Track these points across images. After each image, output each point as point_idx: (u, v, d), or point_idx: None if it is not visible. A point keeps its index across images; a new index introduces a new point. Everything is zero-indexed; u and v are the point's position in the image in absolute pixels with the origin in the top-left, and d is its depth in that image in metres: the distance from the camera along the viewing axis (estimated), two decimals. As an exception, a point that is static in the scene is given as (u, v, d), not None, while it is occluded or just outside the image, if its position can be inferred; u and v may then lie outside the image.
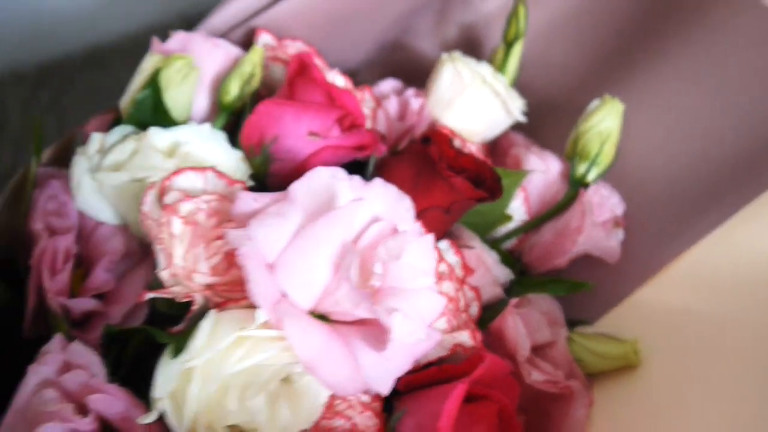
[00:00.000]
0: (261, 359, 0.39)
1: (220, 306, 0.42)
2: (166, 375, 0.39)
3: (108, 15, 0.86)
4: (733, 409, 0.45)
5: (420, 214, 0.46)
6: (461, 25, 0.63)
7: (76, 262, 0.47)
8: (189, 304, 0.42)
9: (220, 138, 0.49)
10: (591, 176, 0.52)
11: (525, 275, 0.54)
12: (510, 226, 0.54)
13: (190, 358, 0.39)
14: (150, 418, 0.39)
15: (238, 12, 0.55)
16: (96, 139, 0.48)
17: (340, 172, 0.43)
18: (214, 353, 0.39)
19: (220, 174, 0.45)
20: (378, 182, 0.44)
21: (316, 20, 0.56)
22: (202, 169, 0.45)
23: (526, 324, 0.48)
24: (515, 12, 0.56)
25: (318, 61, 0.54)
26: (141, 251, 0.48)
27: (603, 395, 0.49)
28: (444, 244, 0.49)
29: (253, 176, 0.49)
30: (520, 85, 0.58)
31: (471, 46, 0.63)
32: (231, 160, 0.48)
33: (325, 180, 0.43)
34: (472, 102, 0.55)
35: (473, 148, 0.55)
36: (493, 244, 0.53)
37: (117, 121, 0.51)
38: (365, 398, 0.44)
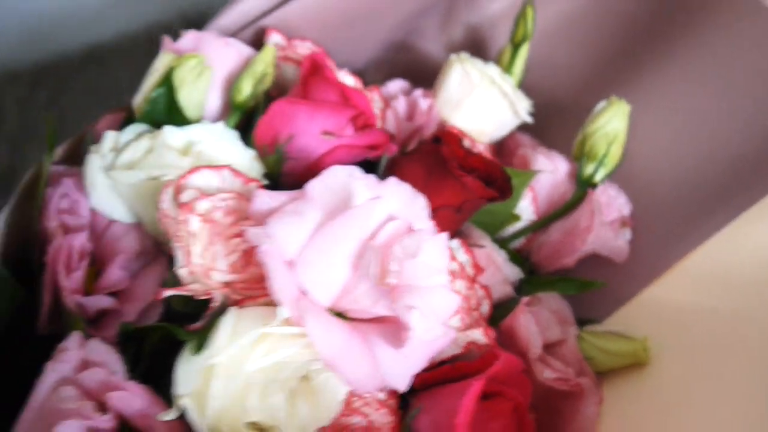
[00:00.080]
0: (283, 356, 0.40)
1: (237, 303, 0.42)
2: (188, 372, 0.39)
3: (108, 14, 0.86)
4: (741, 406, 0.45)
5: (432, 213, 0.46)
6: (466, 26, 0.64)
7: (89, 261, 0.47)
8: (206, 302, 0.43)
9: (233, 137, 0.49)
10: (598, 176, 0.53)
11: (533, 274, 0.55)
12: (518, 225, 0.55)
13: (212, 355, 0.39)
14: (171, 414, 0.39)
15: (248, 12, 0.55)
16: (110, 138, 0.48)
17: (357, 171, 0.44)
18: (237, 350, 0.39)
19: (236, 172, 0.45)
20: (393, 181, 0.44)
21: (325, 20, 0.56)
22: (218, 167, 0.45)
23: (537, 322, 0.49)
24: (523, 13, 0.56)
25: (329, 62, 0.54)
26: (154, 249, 0.48)
27: (612, 393, 0.50)
28: (454, 243, 0.49)
29: (266, 175, 0.49)
30: (525, 86, 0.59)
31: (476, 47, 0.64)
32: (244, 159, 0.48)
33: (341, 179, 0.43)
34: (481, 103, 0.55)
35: (481, 148, 0.56)
36: (502, 243, 0.53)
37: (128, 120, 0.51)
38: (381, 395, 0.44)
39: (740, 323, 0.47)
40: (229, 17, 0.55)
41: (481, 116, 0.56)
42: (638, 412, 0.49)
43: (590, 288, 0.51)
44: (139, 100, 0.50)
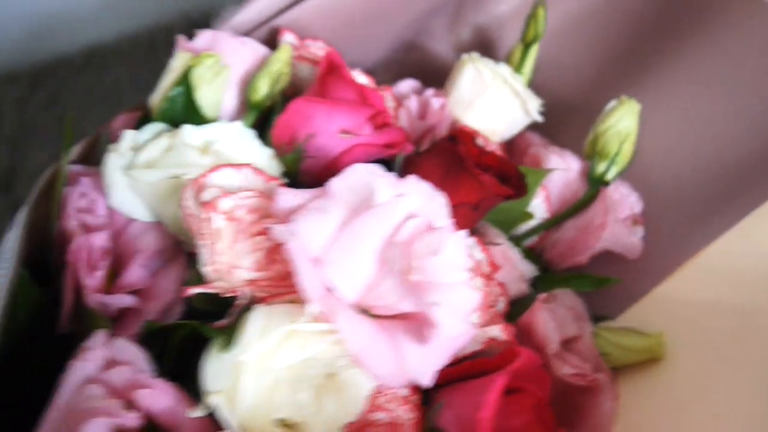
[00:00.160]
0: (312, 353, 0.40)
1: (261, 301, 0.42)
2: (218, 369, 0.39)
3: (109, 15, 0.86)
4: (755, 400, 0.46)
5: (450, 211, 0.47)
6: (474, 27, 0.64)
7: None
8: (228, 300, 0.43)
9: (251, 136, 0.49)
10: (610, 175, 0.54)
11: (546, 272, 0.55)
12: (530, 223, 0.55)
13: (242, 352, 0.39)
14: (201, 411, 0.39)
15: (261, 12, 0.55)
16: (128, 137, 0.48)
17: (378, 169, 0.44)
18: (266, 346, 0.39)
19: (257, 170, 0.45)
20: (413, 179, 0.45)
21: (337, 20, 0.57)
22: (239, 165, 0.45)
23: (553, 319, 0.49)
24: (534, 13, 0.57)
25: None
26: (173, 248, 0.48)
27: (628, 388, 0.50)
28: (470, 241, 0.49)
29: (283, 174, 0.49)
30: (532, 86, 0.60)
31: (483, 47, 0.64)
32: (262, 158, 0.48)
33: (363, 177, 0.44)
34: (493, 102, 0.56)
35: (494, 147, 0.56)
36: (515, 241, 0.54)
37: (143, 119, 0.51)
38: (404, 392, 0.44)
39: (753, 318, 0.48)
40: (243, 17, 0.55)
41: (494, 115, 0.56)
42: (653, 406, 0.49)
43: (605, 285, 0.52)
44: (156, 99, 0.50)
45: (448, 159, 0.49)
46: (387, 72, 0.63)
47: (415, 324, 0.41)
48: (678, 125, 0.56)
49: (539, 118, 0.58)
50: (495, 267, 0.49)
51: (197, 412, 0.39)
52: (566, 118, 0.60)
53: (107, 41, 0.89)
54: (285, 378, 0.40)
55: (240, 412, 0.39)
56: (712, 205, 0.53)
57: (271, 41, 0.56)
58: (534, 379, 0.46)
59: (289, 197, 0.43)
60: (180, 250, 0.48)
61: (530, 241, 0.56)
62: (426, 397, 0.45)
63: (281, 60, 0.51)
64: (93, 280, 0.45)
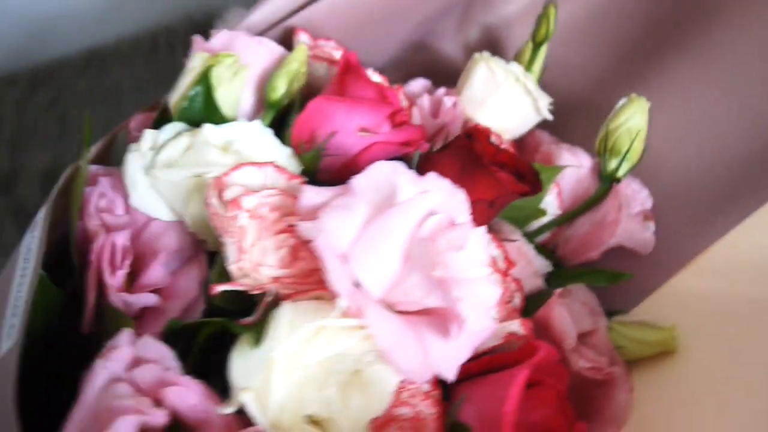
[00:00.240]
0: (341, 348, 0.40)
1: (285, 298, 0.43)
2: (247, 366, 0.39)
3: (110, 17, 0.86)
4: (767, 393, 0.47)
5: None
6: (482, 27, 0.65)
7: (129, 259, 0.47)
8: (253, 297, 0.43)
9: (269, 135, 0.49)
10: (622, 171, 0.54)
11: (559, 267, 0.56)
12: (543, 220, 0.56)
13: (272, 348, 0.39)
14: (230, 408, 0.39)
15: (275, 12, 0.56)
16: (149, 136, 0.48)
17: (401, 167, 0.45)
18: (296, 342, 0.39)
19: (279, 169, 0.46)
20: (433, 176, 0.45)
21: (350, 20, 0.57)
22: (261, 164, 0.45)
23: (569, 313, 0.50)
24: (546, 13, 0.58)
25: (357, 61, 0.55)
26: (193, 247, 0.48)
27: (641, 381, 0.51)
28: (486, 237, 0.50)
29: (302, 172, 0.50)
30: (540, 85, 0.60)
31: (492, 47, 0.65)
32: (282, 157, 0.49)
33: (386, 174, 0.44)
34: (505, 100, 0.57)
35: (507, 145, 0.57)
36: (528, 237, 0.54)
37: (160, 118, 0.51)
38: (426, 387, 0.45)
39: (766, 311, 0.49)
40: (257, 17, 0.55)
41: (506, 114, 0.57)
42: (667, 399, 0.50)
43: (619, 280, 0.53)
44: (175, 98, 0.50)
45: (464, 156, 0.50)
46: (396, 72, 0.63)
47: (439, 319, 0.42)
48: (688, 119, 0.57)
49: (549, 116, 0.58)
50: (510, 263, 0.50)
51: (227, 409, 0.39)
52: (572, 117, 0.61)
53: (108, 43, 0.89)
54: (314, 374, 0.40)
55: (271, 408, 0.39)
56: (722, 199, 0.54)
57: (285, 41, 0.56)
58: (553, 373, 0.47)
59: (312, 195, 0.44)
60: (200, 249, 0.48)
61: (543, 238, 0.56)
62: (446, 392, 0.46)
63: (299, 59, 0.51)
64: (116, 279, 0.45)
